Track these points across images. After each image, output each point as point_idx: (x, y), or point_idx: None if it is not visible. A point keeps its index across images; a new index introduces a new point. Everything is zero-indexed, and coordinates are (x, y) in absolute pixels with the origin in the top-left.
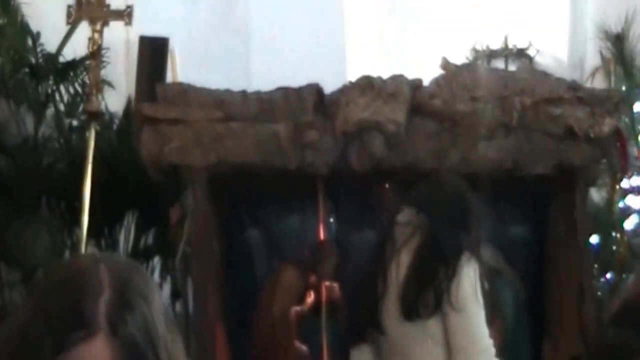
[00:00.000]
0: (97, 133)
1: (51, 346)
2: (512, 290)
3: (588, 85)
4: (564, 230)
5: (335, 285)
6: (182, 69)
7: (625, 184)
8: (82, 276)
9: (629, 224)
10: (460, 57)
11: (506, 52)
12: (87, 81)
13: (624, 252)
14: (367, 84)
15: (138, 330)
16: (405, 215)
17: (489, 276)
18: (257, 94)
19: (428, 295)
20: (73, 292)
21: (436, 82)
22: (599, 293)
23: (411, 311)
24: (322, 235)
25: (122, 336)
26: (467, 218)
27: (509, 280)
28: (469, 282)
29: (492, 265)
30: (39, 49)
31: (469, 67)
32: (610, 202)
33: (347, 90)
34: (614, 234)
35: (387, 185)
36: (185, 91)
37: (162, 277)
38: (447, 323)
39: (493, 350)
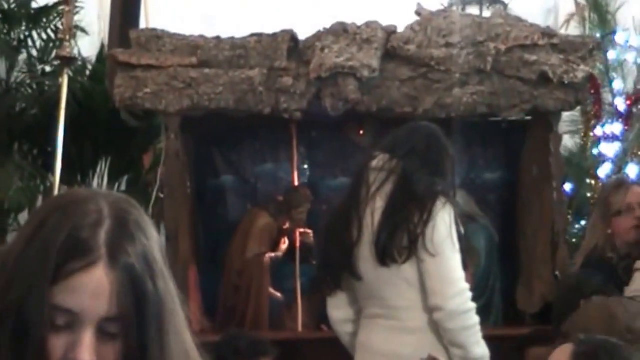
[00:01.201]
0: (70, 79)
1: (49, 273)
2: (486, 235)
3: (563, 31)
4: (537, 175)
5: (310, 231)
6: (155, 14)
7: (599, 131)
8: (82, 206)
9: (602, 171)
10: (435, 3)
11: None
12: (60, 27)
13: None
14: (341, 30)
15: (138, 261)
16: (379, 161)
17: (463, 222)
18: (231, 39)
19: (403, 240)
20: (73, 221)
21: (411, 27)
22: (573, 239)
23: (386, 256)
24: (296, 181)
25: (123, 266)
26: (441, 163)
27: (483, 225)
28: (445, 226)
29: (465, 211)
30: None
31: (443, 13)
32: (584, 148)
33: (322, 35)
34: (587, 180)
35: (361, 132)
36: (159, 37)
37: None
38: (423, 267)
39: (469, 294)
